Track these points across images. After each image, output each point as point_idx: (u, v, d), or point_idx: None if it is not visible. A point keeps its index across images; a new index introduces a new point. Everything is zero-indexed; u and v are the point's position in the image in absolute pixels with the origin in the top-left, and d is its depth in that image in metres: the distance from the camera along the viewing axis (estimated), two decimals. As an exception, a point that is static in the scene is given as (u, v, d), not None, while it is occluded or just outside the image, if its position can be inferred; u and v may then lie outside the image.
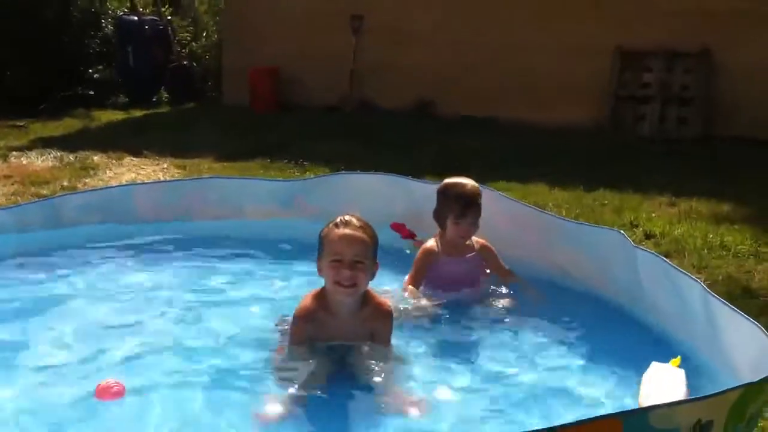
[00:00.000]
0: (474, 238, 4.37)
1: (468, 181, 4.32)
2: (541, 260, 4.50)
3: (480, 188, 4.36)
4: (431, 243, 4.33)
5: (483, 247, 4.39)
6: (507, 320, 4.03)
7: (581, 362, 3.61)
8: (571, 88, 11.23)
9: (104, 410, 3.03)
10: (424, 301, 4.13)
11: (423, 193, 5.33)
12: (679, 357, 3.21)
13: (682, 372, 3.10)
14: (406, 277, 4.30)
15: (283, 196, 5.65)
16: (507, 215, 4.82)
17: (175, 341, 3.72)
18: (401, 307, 4.02)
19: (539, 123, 10.89)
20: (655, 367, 3.14)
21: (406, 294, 4.19)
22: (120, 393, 3.10)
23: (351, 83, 12.47)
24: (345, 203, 5.49)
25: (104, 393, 3.08)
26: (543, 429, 2.24)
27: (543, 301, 4.19)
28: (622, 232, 4.21)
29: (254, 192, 5.68)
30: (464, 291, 4.26)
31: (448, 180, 4.37)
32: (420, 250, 4.32)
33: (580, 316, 4.06)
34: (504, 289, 4.31)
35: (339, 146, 9.47)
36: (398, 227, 5.31)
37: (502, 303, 4.19)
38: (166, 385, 3.26)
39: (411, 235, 5.27)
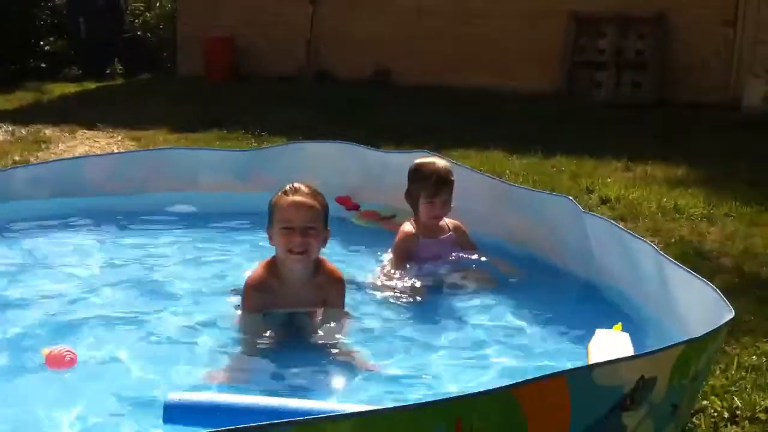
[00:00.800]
0: (446, 219, 4.32)
1: (439, 160, 4.29)
2: (492, 227, 4.52)
3: (451, 166, 4.32)
4: (408, 227, 4.25)
5: (456, 227, 4.34)
6: (471, 291, 4.00)
7: (535, 328, 3.63)
8: (528, 54, 11.26)
9: (56, 379, 3.00)
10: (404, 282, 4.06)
11: (379, 161, 5.34)
12: (620, 323, 3.24)
13: (626, 335, 3.13)
14: (386, 262, 4.23)
15: (239, 166, 5.59)
16: (457, 182, 4.83)
17: (127, 311, 3.68)
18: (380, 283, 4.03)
19: (497, 90, 10.92)
20: (600, 333, 3.17)
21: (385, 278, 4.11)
22: (72, 361, 3.05)
23: (308, 52, 12.38)
24: (301, 173, 5.48)
25: (56, 361, 3.03)
26: (492, 389, 2.26)
27: (517, 274, 4.16)
28: (571, 198, 4.23)
29: (210, 163, 5.62)
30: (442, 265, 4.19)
31: (418, 160, 4.30)
32: (398, 234, 4.23)
33: (533, 284, 4.08)
34: (475, 266, 4.23)
35: (296, 116, 9.41)
36: (343, 200, 5.32)
37: (475, 276, 4.12)
38: (118, 353, 3.23)
39: (355, 207, 5.29)
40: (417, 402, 2.15)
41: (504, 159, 7.63)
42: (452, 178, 4.15)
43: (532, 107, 10.26)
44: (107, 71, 13.58)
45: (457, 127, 9.10)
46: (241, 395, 2.76)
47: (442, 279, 4.08)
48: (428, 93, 11.04)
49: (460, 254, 4.25)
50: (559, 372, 2.38)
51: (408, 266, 4.14)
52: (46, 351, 3.07)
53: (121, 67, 13.73)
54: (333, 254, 4.05)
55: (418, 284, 3.99)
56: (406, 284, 4.00)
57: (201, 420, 2.54)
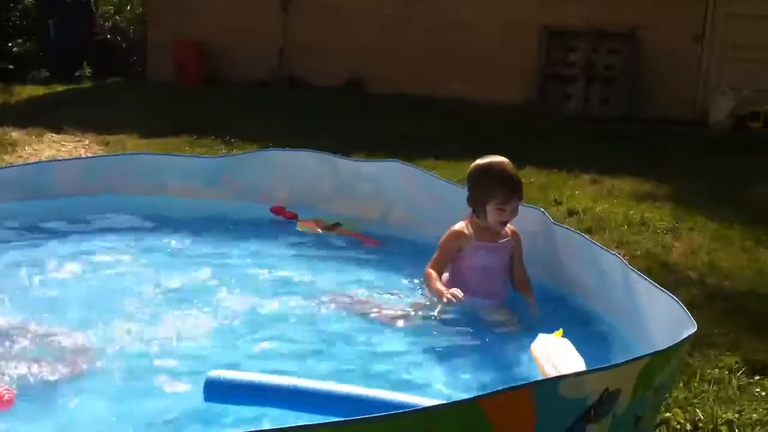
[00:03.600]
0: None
1: (505, 159, 3.91)
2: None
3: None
4: (461, 225, 3.91)
5: (514, 233, 3.99)
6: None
7: (502, 338, 3.66)
8: (501, 65, 11.35)
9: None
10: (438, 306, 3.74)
11: (350, 170, 5.35)
12: (561, 329, 3.28)
13: (568, 341, 3.17)
14: (429, 263, 3.89)
15: (210, 173, 5.57)
16: (427, 192, 4.86)
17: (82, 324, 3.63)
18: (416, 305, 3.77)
19: (469, 100, 10.98)
20: (542, 337, 3.20)
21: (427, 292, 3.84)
22: (11, 401, 2.78)
23: (280, 59, 12.36)
24: (272, 181, 5.50)
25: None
26: (458, 401, 2.28)
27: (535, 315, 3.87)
28: (542, 209, 4.27)
29: (179, 169, 5.59)
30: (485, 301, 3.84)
31: (482, 160, 3.93)
32: (448, 232, 3.89)
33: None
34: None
35: (268, 123, 9.39)
36: (278, 210, 5.34)
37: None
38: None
39: (293, 216, 5.30)
40: (385, 414, 2.15)
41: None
42: (522, 185, 3.87)
43: (504, 118, 10.32)
44: (76, 74, 13.43)
45: (429, 136, 9.13)
46: (278, 376, 2.77)
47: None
48: (401, 102, 11.07)
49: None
50: (525, 384, 2.40)
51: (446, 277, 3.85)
52: None
53: (90, 71, 13.59)
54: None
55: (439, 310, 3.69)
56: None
57: (241, 398, 2.57)
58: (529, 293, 3.92)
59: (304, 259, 4.67)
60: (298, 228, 5.22)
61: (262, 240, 4.98)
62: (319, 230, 5.16)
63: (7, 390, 2.79)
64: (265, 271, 4.42)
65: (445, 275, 3.91)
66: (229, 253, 4.72)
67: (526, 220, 4.07)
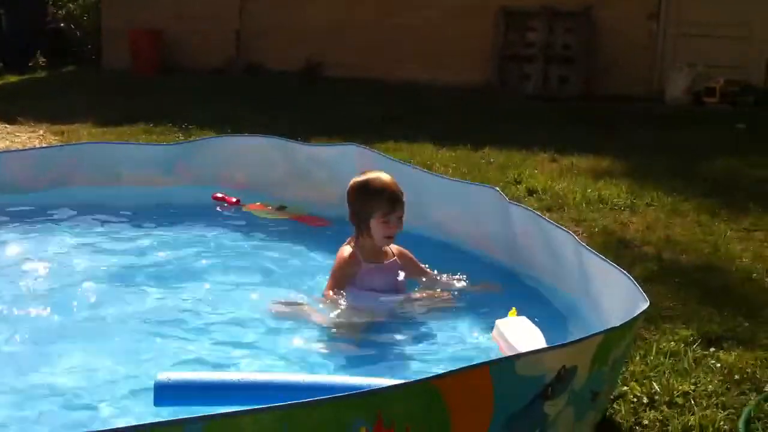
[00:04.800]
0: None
1: (382, 173, 3.83)
2: (418, 219, 4.54)
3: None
4: (348, 250, 3.78)
5: (400, 253, 3.91)
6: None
7: (460, 318, 3.66)
8: (459, 47, 11.34)
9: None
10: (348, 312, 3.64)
11: (305, 155, 5.33)
12: (514, 308, 3.29)
13: (525, 318, 3.18)
14: (325, 288, 3.77)
15: (164, 160, 5.51)
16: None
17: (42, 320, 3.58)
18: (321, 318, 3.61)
19: (427, 82, 10.97)
20: (500, 322, 3.21)
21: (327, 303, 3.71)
22: None
23: (237, 45, 12.25)
24: (229, 167, 5.46)
25: None
26: (413, 381, 2.27)
27: (491, 289, 3.88)
28: (497, 188, 4.28)
29: (133, 157, 5.52)
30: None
31: (360, 177, 3.81)
32: (339, 257, 3.77)
33: (460, 274, 4.11)
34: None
35: (225, 110, 9.31)
36: (219, 197, 5.33)
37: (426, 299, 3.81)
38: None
39: (237, 202, 5.30)
40: (336, 395, 2.14)
41: (433, 151, 7.67)
42: (403, 195, 3.76)
43: (462, 100, 10.34)
44: (30, 64, 13.20)
45: (386, 119, 9.11)
46: (227, 372, 2.77)
47: (389, 310, 3.68)
48: (359, 85, 11.03)
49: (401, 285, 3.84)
50: (481, 363, 2.40)
51: (347, 295, 3.71)
52: None
53: (44, 60, 13.37)
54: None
55: (355, 319, 3.59)
56: (341, 319, 3.58)
57: (192, 398, 2.52)
58: (437, 278, 3.96)
59: (248, 243, 4.69)
60: (243, 210, 5.19)
61: (205, 225, 4.98)
62: (267, 211, 5.15)
63: None
64: (205, 259, 4.41)
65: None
66: (174, 241, 4.70)
67: (481, 199, 4.07)
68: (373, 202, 3.72)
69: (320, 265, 4.23)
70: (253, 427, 2.07)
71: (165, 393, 2.49)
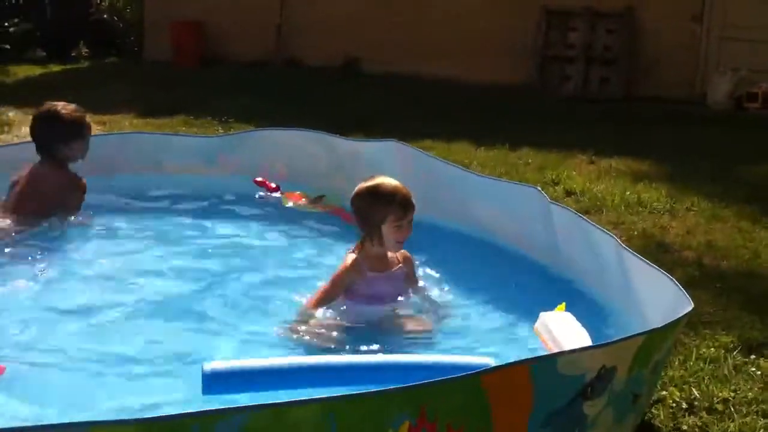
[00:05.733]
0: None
1: (387, 178, 3.71)
2: (459, 218, 4.55)
3: None
4: (354, 257, 3.65)
5: (406, 258, 3.81)
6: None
7: (499, 318, 3.67)
8: (499, 45, 11.29)
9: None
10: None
11: (346, 149, 5.34)
12: (563, 303, 3.28)
13: (570, 314, 3.17)
14: (317, 292, 3.63)
15: (207, 152, 5.57)
16: (425, 173, 4.85)
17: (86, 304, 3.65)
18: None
19: (466, 81, 10.94)
20: (545, 315, 3.20)
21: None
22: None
23: (277, 39, 12.30)
24: (270, 160, 5.50)
25: None
26: (457, 377, 2.29)
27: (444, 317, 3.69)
28: (538, 188, 4.27)
29: (176, 148, 5.58)
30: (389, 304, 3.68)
31: (368, 182, 3.69)
32: (344, 264, 3.64)
33: (498, 274, 4.10)
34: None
35: (264, 103, 9.36)
36: (261, 182, 5.34)
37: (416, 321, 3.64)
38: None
39: (276, 189, 5.30)
40: (382, 389, 2.16)
41: (470, 150, 7.66)
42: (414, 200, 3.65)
43: (501, 99, 10.30)
44: (72, 54, 13.38)
45: (424, 117, 9.11)
46: (275, 358, 2.78)
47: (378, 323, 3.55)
48: (397, 82, 11.03)
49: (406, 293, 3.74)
50: (523, 360, 2.41)
51: (343, 306, 3.58)
52: None
53: (86, 51, 13.54)
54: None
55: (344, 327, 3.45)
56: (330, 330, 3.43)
57: (240, 386, 2.54)
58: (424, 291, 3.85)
59: (285, 236, 4.74)
60: (282, 200, 5.23)
61: (244, 217, 5.04)
62: (303, 202, 5.18)
63: None
64: (241, 249, 4.48)
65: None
66: (215, 231, 4.77)
67: (522, 199, 4.06)
68: (385, 207, 3.60)
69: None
70: (298, 418, 2.10)
71: (213, 382, 2.52)
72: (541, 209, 4.10)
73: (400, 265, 3.75)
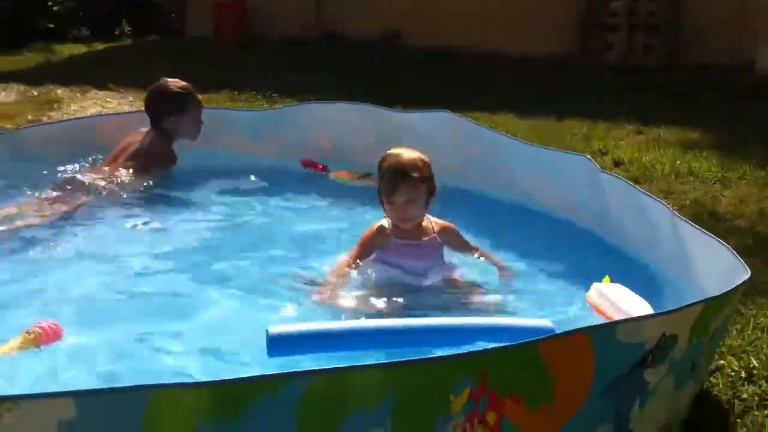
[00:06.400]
0: (434, 219, 3.67)
1: (408, 151, 3.54)
2: (510, 187, 4.53)
3: (427, 160, 3.54)
4: (383, 221, 3.61)
5: (444, 228, 3.68)
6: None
7: (550, 286, 3.66)
8: (541, 16, 11.16)
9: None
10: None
11: (395, 122, 5.33)
12: (607, 275, 3.25)
13: (622, 286, 3.14)
14: (345, 255, 3.60)
15: (253, 126, 5.60)
16: (476, 144, 4.83)
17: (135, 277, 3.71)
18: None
19: (508, 52, 10.85)
20: (597, 286, 3.17)
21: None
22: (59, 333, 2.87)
23: (317, 13, 12.29)
24: (317, 133, 5.52)
25: (52, 335, 2.82)
26: (518, 344, 2.29)
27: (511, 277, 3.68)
28: (588, 156, 4.23)
29: (223, 122, 5.62)
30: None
31: (388, 151, 3.60)
32: (371, 227, 3.61)
33: (548, 243, 4.09)
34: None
35: (306, 78, 9.39)
36: (308, 162, 5.34)
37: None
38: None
39: (324, 168, 5.31)
40: (444, 354, 2.18)
41: (514, 122, 7.61)
42: (415, 175, 3.44)
43: (543, 70, 10.21)
44: (115, 32, 13.51)
45: (466, 89, 9.06)
46: (340, 321, 2.83)
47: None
48: (438, 55, 10.97)
49: (444, 265, 3.62)
50: (583, 328, 2.40)
51: (371, 269, 3.52)
52: (31, 332, 2.81)
53: (129, 29, 13.66)
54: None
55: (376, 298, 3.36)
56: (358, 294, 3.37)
57: (306, 348, 2.58)
58: (484, 255, 3.73)
59: (335, 210, 4.76)
60: (330, 178, 5.24)
61: (292, 192, 5.07)
62: (353, 179, 5.19)
63: (55, 324, 2.87)
64: (287, 224, 4.48)
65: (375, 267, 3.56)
66: (258, 207, 4.81)
67: (572, 168, 4.03)
68: (380, 181, 3.55)
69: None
70: (360, 382, 2.12)
71: (277, 344, 2.55)
72: (591, 177, 4.06)
73: (434, 235, 3.63)
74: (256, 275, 3.68)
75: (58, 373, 2.74)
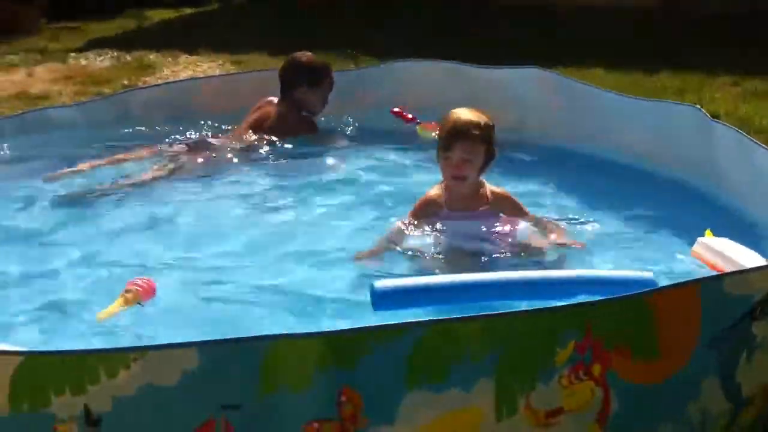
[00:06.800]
0: (490, 187, 3.59)
1: (472, 111, 3.50)
2: (609, 143, 4.46)
3: (491, 123, 3.49)
4: (435, 190, 3.56)
5: (499, 197, 3.58)
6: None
7: (656, 241, 3.63)
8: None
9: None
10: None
11: (485, 79, 5.29)
12: (708, 230, 3.19)
13: (728, 239, 3.08)
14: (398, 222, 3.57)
15: (341, 87, 5.64)
16: (570, 99, 4.77)
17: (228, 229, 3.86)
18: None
19: (596, 5, 10.58)
20: (703, 240, 3.12)
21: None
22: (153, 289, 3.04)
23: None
24: (405, 93, 5.53)
25: (150, 292, 2.99)
26: (623, 296, 2.29)
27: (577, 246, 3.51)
28: (697, 106, 4.12)
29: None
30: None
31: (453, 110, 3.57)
32: (420, 199, 3.58)
33: (653, 198, 4.05)
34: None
35: (388, 37, 9.35)
36: (398, 113, 5.33)
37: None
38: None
39: (413, 119, 5.26)
40: (549, 306, 2.21)
41: (603, 77, 7.45)
42: (476, 132, 3.38)
43: (632, 23, 9.93)
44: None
45: (553, 44, 8.90)
46: (443, 275, 2.89)
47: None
48: (526, 11, 10.76)
49: (503, 237, 3.50)
50: (690, 280, 2.39)
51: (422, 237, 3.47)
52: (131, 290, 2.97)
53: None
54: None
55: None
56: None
57: (410, 302, 2.65)
58: (552, 231, 3.56)
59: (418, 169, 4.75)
60: (418, 131, 5.24)
61: (379, 149, 5.13)
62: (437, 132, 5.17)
63: (148, 280, 3.02)
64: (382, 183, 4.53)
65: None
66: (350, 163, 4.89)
67: (679, 118, 3.94)
68: (440, 136, 3.53)
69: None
70: (467, 333, 2.17)
71: (383, 299, 2.62)
72: (700, 129, 3.95)
73: (488, 206, 3.54)
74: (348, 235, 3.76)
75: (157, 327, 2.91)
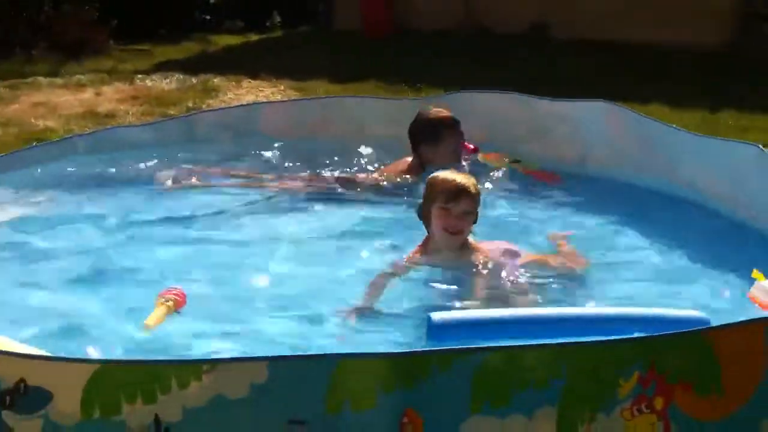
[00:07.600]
0: (472, 242, 3.65)
1: (458, 172, 3.70)
2: (671, 178, 4.45)
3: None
4: (415, 250, 3.67)
5: (480, 249, 3.65)
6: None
7: (712, 281, 3.60)
8: (696, 5, 10.79)
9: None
10: None
11: (547, 111, 5.30)
12: (756, 270, 3.15)
13: None
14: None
15: (403, 116, 5.69)
16: (636, 133, 4.76)
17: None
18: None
19: (661, 44, 10.52)
20: (760, 284, 3.08)
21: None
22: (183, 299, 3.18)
23: (466, 6, 12.30)
24: (469, 123, 5.53)
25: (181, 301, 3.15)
26: (686, 331, 2.30)
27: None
28: (759, 146, 4.10)
29: (376, 112, 5.75)
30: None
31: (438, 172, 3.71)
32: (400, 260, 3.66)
33: (705, 234, 4.02)
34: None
35: (453, 69, 9.43)
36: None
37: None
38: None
39: (475, 150, 5.27)
40: (617, 338, 2.21)
41: (667, 114, 7.41)
42: (476, 190, 3.56)
43: (698, 61, 9.87)
44: (267, 24, 13.98)
45: (617, 82, 8.87)
46: (499, 309, 2.92)
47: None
48: (588, 47, 10.75)
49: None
50: (755, 318, 2.38)
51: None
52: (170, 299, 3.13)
53: (279, 20, 14.11)
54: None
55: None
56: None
57: (465, 335, 2.65)
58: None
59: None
60: (480, 159, 5.26)
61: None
62: (503, 162, 5.19)
63: (180, 289, 3.19)
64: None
65: None
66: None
67: (741, 158, 3.92)
68: (433, 192, 3.56)
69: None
70: (532, 361, 2.19)
71: (438, 331, 2.64)
72: (762, 168, 3.93)
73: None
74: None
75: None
